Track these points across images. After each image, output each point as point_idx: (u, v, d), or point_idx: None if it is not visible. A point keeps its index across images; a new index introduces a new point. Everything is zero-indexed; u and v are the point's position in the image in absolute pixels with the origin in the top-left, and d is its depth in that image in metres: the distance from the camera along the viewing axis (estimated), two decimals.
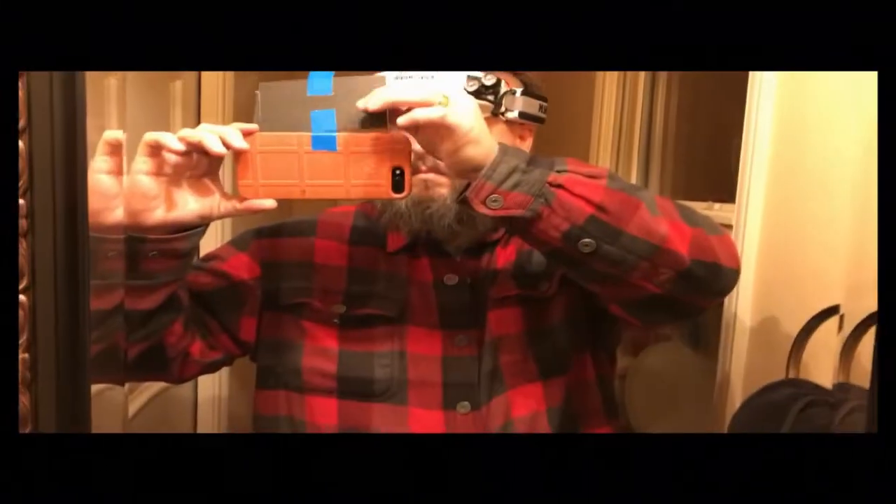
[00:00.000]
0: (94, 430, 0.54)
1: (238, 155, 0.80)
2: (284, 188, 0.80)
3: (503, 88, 0.98)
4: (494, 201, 0.80)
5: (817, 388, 0.86)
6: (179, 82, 1.59)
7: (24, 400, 0.48)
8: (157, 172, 0.80)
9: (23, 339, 0.47)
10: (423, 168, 0.98)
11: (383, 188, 0.81)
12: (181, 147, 0.79)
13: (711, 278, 0.87)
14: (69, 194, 0.49)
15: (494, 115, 0.99)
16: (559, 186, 0.80)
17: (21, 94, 0.47)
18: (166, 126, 1.52)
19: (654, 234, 0.82)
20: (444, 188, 0.99)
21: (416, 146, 0.84)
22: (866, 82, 0.91)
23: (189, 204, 0.82)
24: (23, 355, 0.47)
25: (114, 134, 0.78)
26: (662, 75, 2.04)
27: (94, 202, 0.78)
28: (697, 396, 1.54)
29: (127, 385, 1.42)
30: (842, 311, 0.91)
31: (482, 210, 0.80)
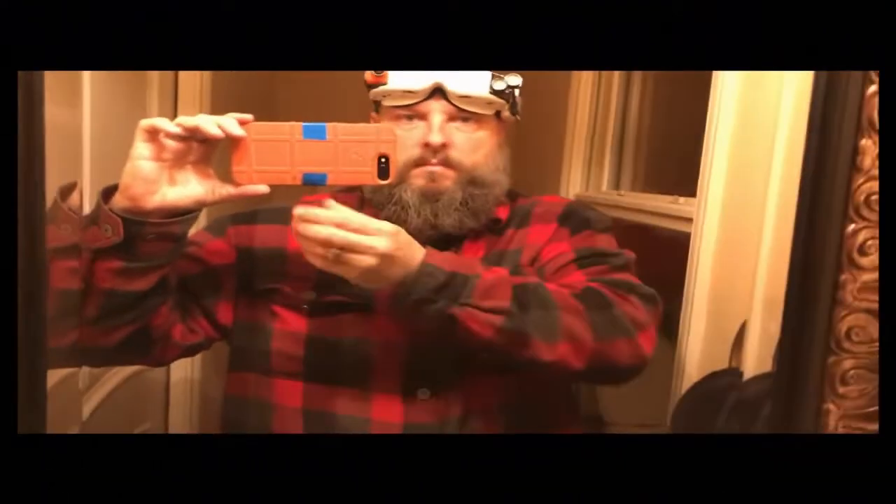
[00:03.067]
0: (51, 413, 0.58)
1: (234, 142, 0.85)
2: (277, 174, 0.86)
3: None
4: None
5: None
6: (157, 72, 1.61)
7: None
8: (157, 158, 0.84)
9: None
10: (433, 161, 1.03)
11: (369, 174, 0.87)
12: (178, 131, 0.83)
13: (607, 376, 1.03)
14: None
15: (500, 114, 1.07)
16: (457, 319, 0.89)
17: None
18: (143, 116, 1.54)
19: (539, 361, 0.92)
20: (448, 181, 1.04)
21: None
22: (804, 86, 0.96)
23: (187, 189, 0.87)
24: None
25: (150, 121, 0.83)
26: (636, 91, 2.07)
27: (135, 187, 0.84)
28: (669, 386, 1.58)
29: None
30: None
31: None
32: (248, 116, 0.85)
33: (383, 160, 0.87)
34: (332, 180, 0.87)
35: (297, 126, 0.85)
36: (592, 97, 2.08)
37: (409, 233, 1.04)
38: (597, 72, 2.07)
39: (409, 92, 1.03)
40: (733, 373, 0.93)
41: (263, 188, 0.86)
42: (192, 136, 0.84)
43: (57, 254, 0.80)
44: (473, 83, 1.02)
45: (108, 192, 0.87)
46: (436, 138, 1.01)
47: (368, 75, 1.04)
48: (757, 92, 1.17)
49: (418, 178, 1.04)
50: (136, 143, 0.84)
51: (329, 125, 0.85)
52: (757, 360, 0.98)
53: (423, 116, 1.04)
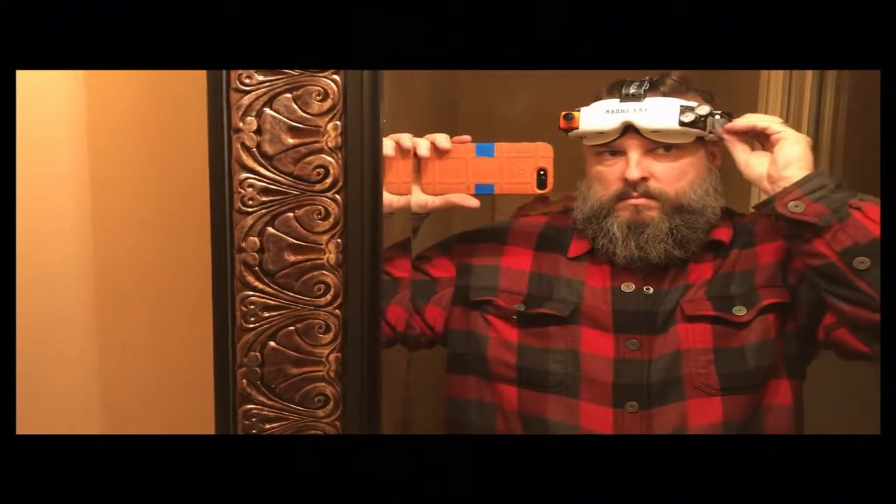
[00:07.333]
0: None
1: (423, 161, 1.04)
2: (455, 185, 1.05)
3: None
4: (796, 206, 0.95)
5: None
6: None
7: (337, 389, 0.65)
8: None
9: (337, 342, 0.64)
10: (635, 194, 1.08)
11: (529, 185, 1.04)
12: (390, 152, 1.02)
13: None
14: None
15: (700, 138, 1.07)
16: (857, 209, 0.94)
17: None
18: None
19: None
20: (654, 211, 1.08)
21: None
22: None
23: (415, 196, 1.07)
24: (336, 355, 0.64)
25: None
26: (829, 92, 2.01)
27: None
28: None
29: None
30: None
31: (782, 210, 0.96)
32: (467, 137, 1.05)
33: (542, 172, 1.03)
34: (499, 190, 1.04)
35: (471, 146, 1.04)
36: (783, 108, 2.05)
37: (618, 264, 1.11)
38: (786, 88, 2.04)
39: (601, 133, 1.07)
40: None
41: (474, 202, 1.05)
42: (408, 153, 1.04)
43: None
44: (662, 117, 1.04)
45: None
46: (633, 174, 1.05)
47: (561, 122, 1.10)
48: None
49: (624, 212, 1.08)
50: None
51: (496, 144, 1.03)
52: None
53: (623, 152, 1.07)
